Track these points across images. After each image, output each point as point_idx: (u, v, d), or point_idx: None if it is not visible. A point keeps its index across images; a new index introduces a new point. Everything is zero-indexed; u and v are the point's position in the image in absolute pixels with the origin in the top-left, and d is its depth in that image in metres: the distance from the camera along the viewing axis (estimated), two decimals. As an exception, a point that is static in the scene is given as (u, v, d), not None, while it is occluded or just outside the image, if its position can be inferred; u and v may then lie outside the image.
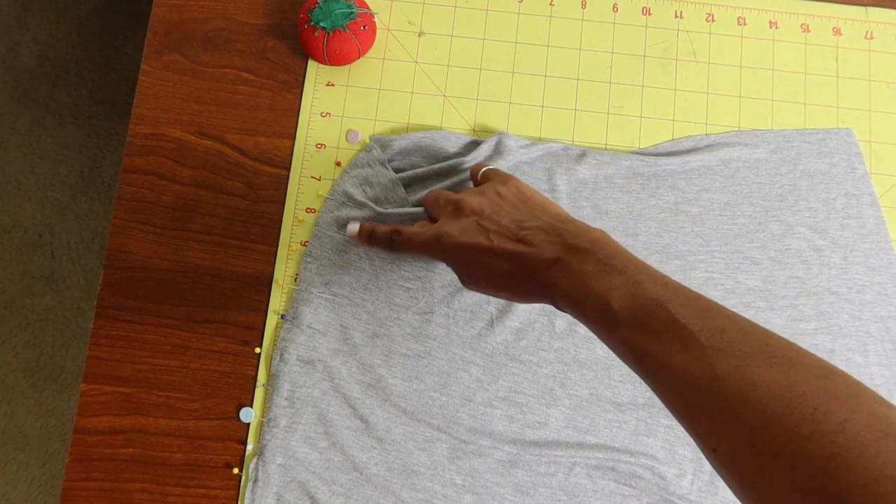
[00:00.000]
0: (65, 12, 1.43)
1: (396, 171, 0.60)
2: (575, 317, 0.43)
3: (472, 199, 0.50)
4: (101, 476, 0.56)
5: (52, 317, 1.35)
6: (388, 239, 0.52)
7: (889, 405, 0.32)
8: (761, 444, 0.33)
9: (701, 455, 0.57)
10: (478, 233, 0.47)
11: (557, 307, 0.44)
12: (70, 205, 1.38)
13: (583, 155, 0.61)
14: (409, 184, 0.60)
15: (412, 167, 0.61)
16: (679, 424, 0.56)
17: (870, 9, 0.65)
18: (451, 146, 0.61)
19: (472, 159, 0.60)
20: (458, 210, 0.50)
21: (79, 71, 1.42)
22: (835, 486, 0.30)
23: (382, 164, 0.60)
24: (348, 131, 0.62)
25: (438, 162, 0.60)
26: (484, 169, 0.55)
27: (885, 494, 0.28)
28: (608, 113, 0.63)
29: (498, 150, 0.60)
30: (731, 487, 0.35)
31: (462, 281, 0.50)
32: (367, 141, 0.62)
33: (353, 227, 0.55)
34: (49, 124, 1.40)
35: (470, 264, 0.48)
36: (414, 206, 0.60)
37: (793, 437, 0.32)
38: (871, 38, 0.65)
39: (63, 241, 1.37)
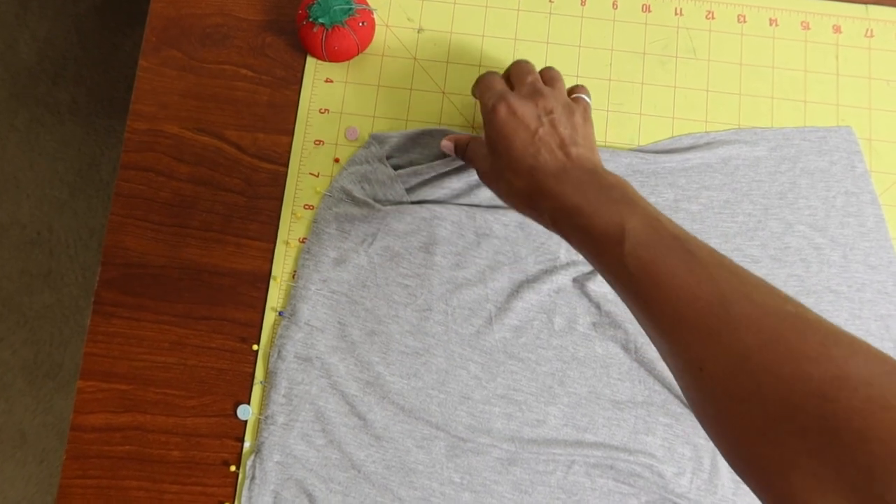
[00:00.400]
0: (63, 9, 1.43)
1: (395, 167, 0.60)
2: (568, 233, 0.44)
3: (549, 99, 0.50)
4: (98, 473, 0.56)
5: (50, 314, 1.34)
6: (479, 78, 0.55)
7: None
8: (760, 361, 0.32)
9: (700, 454, 0.57)
10: (535, 116, 0.49)
11: (553, 221, 0.45)
12: (68, 202, 1.38)
13: None
14: (408, 180, 0.60)
15: (411, 163, 0.61)
16: (677, 423, 0.57)
17: (870, 6, 0.65)
18: None
19: None
20: (533, 97, 0.50)
21: (77, 68, 1.41)
22: (834, 408, 0.28)
23: (381, 160, 0.60)
24: (347, 128, 0.62)
25: (437, 158, 0.60)
26: (554, 71, 0.55)
27: (888, 422, 0.27)
28: (608, 110, 0.63)
29: None
30: (709, 414, 0.34)
31: (481, 166, 0.51)
32: (366, 137, 0.61)
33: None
34: (48, 121, 1.40)
35: (507, 132, 0.48)
36: (413, 202, 0.59)
37: (797, 356, 0.31)
38: (872, 35, 0.65)
39: (61, 238, 1.37)
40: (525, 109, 0.49)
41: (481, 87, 0.53)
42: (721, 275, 0.36)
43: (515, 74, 0.53)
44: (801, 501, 0.29)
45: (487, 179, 0.52)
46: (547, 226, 0.47)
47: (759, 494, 0.32)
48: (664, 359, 0.39)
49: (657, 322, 0.37)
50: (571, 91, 0.55)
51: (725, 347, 0.33)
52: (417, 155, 0.61)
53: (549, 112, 0.49)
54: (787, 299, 0.35)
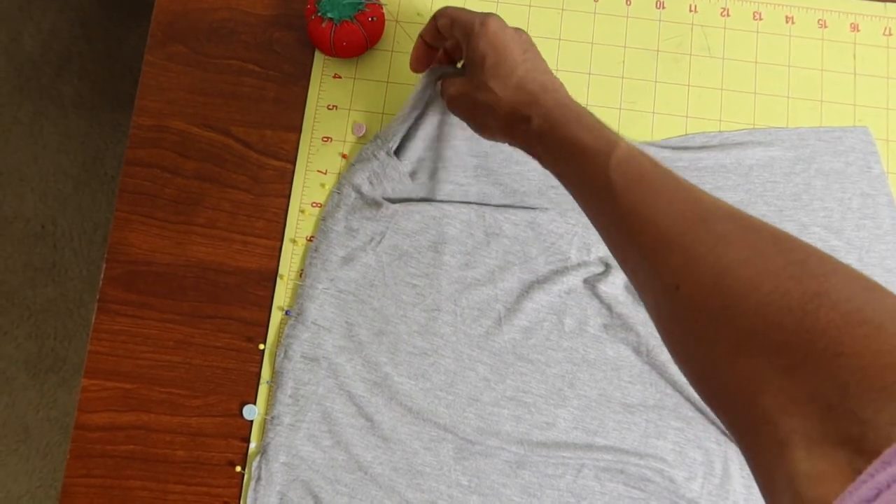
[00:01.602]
0: (68, 2, 1.42)
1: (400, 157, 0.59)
2: (550, 151, 0.45)
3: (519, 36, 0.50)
4: (102, 473, 0.56)
5: (54, 308, 1.34)
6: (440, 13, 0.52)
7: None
8: (739, 278, 0.31)
9: (712, 458, 0.56)
10: (520, 37, 0.49)
11: (540, 135, 0.45)
12: (72, 196, 1.37)
13: None
14: (415, 172, 0.59)
15: (418, 159, 0.60)
16: (689, 427, 0.56)
17: (889, 4, 0.64)
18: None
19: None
20: (509, 30, 0.50)
21: (82, 61, 1.40)
22: (810, 323, 0.28)
23: (388, 154, 0.59)
24: (354, 124, 0.61)
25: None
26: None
27: (863, 337, 0.27)
28: (620, 108, 0.62)
29: None
30: (679, 333, 0.33)
31: (462, 83, 0.50)
32: (374, 133, 0.60)
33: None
34: (52, 114, 1.39)
35: (501, 45, 0.48)
36: (420, 199, 0.59)
37: (778, 274, 0.30)
38: (890, 34, 0.63)
39: (65, 232, 1.36)
40: (512, 28, 0.49)
41: (452, 14, 0.51)
42: (705, 198, 0.36)
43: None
44: (772, 422, 0.28)
45: (461, 103, 0.51)
46: (528, 145, 0.47)
47: (727, 419, 0.31)
48: (640, 287, 0.38)
49: (639, 240, 0.37)
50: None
51: (705, 263, 0.33)
52: (422, 145, 0.59)
53: (526, 44, 0.49)
54: (769, 224, 0.34)
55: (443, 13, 0.51)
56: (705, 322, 0.31)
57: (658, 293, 0.35)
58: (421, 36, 0.53)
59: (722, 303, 0.31)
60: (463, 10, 0.51)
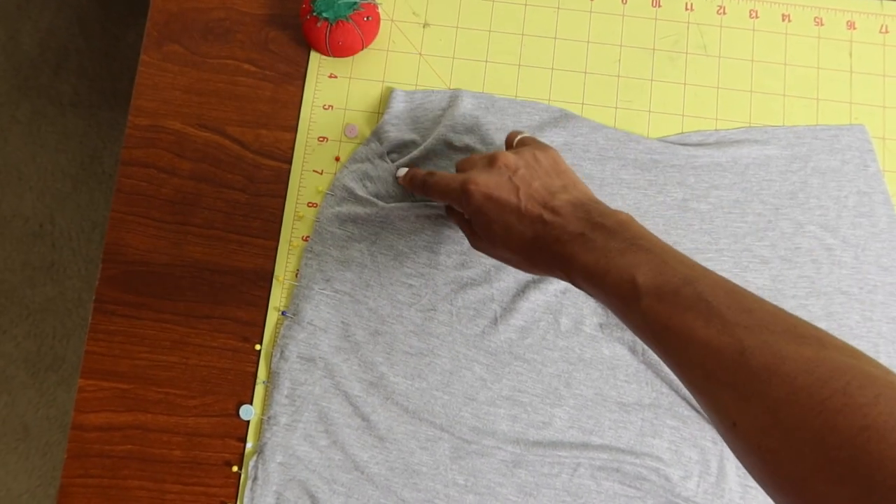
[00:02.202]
0: (65, 0, 1.42)
1: (394, 161, 0.59)
2: (591, 292, 0.43)
3: (507, 155, 0.49)
4: (99, 473, 0.56)
5: (53, 307, 1.34)
6: (421, 180, 0.53)
7: None
8: (788, 416, 0.32)
9: (707, 457, 0.56)
10: (508, 188, 0.47)
11: (573, 281, 0.44)
12: (71, 195, 1.37)
13: (586, 149, 0.60)
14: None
15: (412, 162, 0.60)
16: (684, 425, 0.56)
17: (885, 2, 0.64)
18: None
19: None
20: (492, 163, 0.48)
21: (80, 60, 1.40)
22: (866, 458, 0.29)
23: (381, 157, 0.59)
24: (346, 125, 0.61)
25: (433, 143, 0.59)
26: (522, 135, 0.53)
27: None
28: (616, 107, 0.62)
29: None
30: (748, 464, 0.34)
31: (473, 239, 0.49)
32: (367, 134, 0.60)
33: (402, 172, 0.56)
34: (50, 113, 1.39)
35: (491, 219, 0.47)
36: (415, 200, 0.59)
37: (823, 409, 0.31)
38: (886, 32, 0.63)
39: (64, 231, 1.36)
40: (493, 180, 0.47)
41: (436, 184, 0.51)
42: (738, 320, 0.36)
43: (463, 165, 0.52)
44: None
45: (483, 250, 0.51)
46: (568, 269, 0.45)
47: None
48: (704, 413, 0.39)
49: (689, 377, 0.37)
50: (510, 139, 0.54)
51: (753, 403, 0.33)
52: (417, 153, 0.60)
53: (513, 170, 0.47)
54: (803, 338, 0.34)
55: (429, 188, 0.52)
56: (768, 457, 0.33)
57: (719, 425, 0.36)
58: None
59: (779, 440, 0.32)
60: (442, 179, 0.50)
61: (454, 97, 0.60)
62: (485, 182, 0.47)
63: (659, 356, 0.39)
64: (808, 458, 0.31)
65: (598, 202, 0.46)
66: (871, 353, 0.57)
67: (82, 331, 1.34)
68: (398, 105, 0.60)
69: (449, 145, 0.59)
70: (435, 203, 0.58)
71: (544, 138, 0.59)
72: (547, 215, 0.45)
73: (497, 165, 0.48)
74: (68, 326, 1.34)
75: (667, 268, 0.39)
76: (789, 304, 0.58)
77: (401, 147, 0.60)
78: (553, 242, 0.44)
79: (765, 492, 0.34)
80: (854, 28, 0.63)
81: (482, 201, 0.47)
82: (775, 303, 0.58)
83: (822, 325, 0.58)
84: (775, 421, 0.32)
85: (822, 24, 0.63)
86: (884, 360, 0.57)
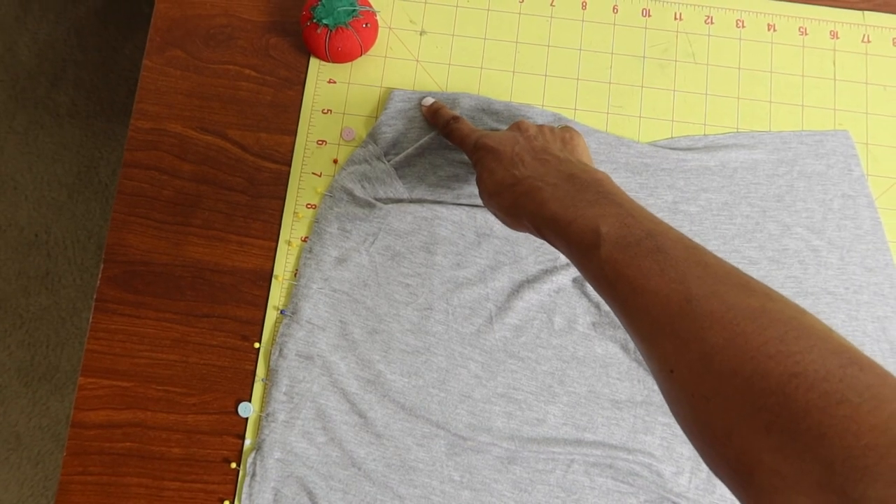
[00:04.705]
0: (63, 12, 1.43)
1: (390, 161, 0.61)
2: (555, 242, 0.44)
3: (530, 123, 0.52)
4: (98, 470, 0.56)
5: (47, 316, 1.34)
6: (445, 122, 0.58)
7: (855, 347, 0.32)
8: (723, 361, 0.32)
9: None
10: (510, 142, 0.50)
11: (540, 233, 0.45)
12: (66, 204, 1.38)
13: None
14: (403, 173, 0.60)
15: (409, 164, 0.61)
16: (674, 421, 0.57)
17: (867, 13, 0.66)
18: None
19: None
20: (515, 125, 0.53)
21: (77, 71, 1.41)
22: (792, 405, 0.29)
23: (379, 158, 0.60)
24: (344, 128, 0.62)
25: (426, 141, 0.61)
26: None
27: (843, 417, 0.28)
28: (608, 113, 0.63)
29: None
30: (680, 414, 0.34)
31: (478, 186, 0.51)
32: (363, 137, 0.62)
33: (428, 100, 0.61)
34: (47, 124, 1.40)
35: (484, 166, 0.50)
36: (412, 200, 0.60)
37: (757, 354, 0.31)
38: (868, 41, 0.65)
39: (59, 240, 1.36)
40: (503, 136, 0.51)
41: (458, 130, 0.56)
42: (691, 272, 0.36)
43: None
44: (768, 499, 0.29)
45: (484, 203, 0.52)
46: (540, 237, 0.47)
47: (735, 493, 0.32)
48: (647, 365, 0.39)
49: (636, 327, 0.38)
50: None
51: (692, 348, 0.34)
52: (412, 150, 0.61)
53: (526, 130, 0.51)
54: (752, 291, 0.35)
55: (451, 130, 0.57)
56: (699, 404, 0.33)
57: (658, 373, 0.36)
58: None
59: (711, 387, 0.32)
60: (465, 126, 0.55)
61: (452, 98, 0.62)
62: (496, 137, 0.51)
63: (611, 307, 0.40)
64: (737, 405, 0.31)
65: (585, 166, 0.47)
66: (856, 351, 0.59)
67: (76, 340, 1.34)
68: (395, 104, 0.61)
69: (445, 144, 0.60)
70: (431, 204, 0.59)
71: None
72: (529, 161, 0.48)
73: (515, 126, 0.52)
74: (62, 335, 1.34)
75: (632, 220, 0.40)
76: (777, 304, 0.60)
77: (397, 146, 0.61)
78: (529, 189, 0.45)
79: (692, 444, 0.34)
80: (837, 37, 0.65)
81: (483, 152, 0.50)
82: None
83: (809, 324, 0.59)
84: (710, 366, 0.32)
85: (806, 34, 0.65)
86: (869, 358, 0.59)
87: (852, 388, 0.28)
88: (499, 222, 0.60)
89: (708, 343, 0.33)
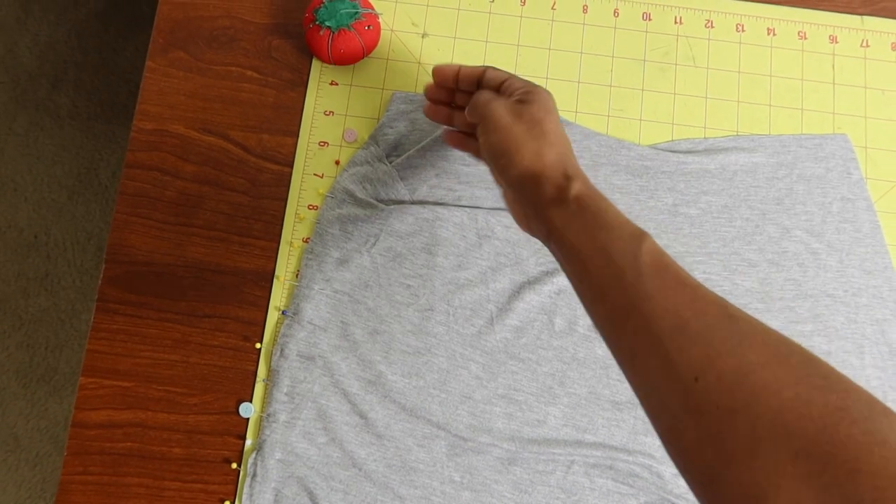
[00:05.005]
0: (64, 14, 1.44)
1: (392, 162, 0.61)
2: (521, 192, 0.45)
3: (540, 96, 0.49)
4: (99, 470, 0.56)
5: (47, 318, 1.34)
6: (478, 74, 0.52)
7: None
8: (761, 378, 0.31)
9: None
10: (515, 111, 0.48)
11: (509, 186, 0.46)
12: (66, 206, 1.38)
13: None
14: (405, 175, 0.61)
15: (410, 165, 0.61)
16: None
17: (865, 18, 0.66)
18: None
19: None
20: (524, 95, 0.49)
21: (78, 73, 1.42)
22: (832, 436, 0.28)
23: (380, 159, 0.61)
24: (345, 130, 0.62)
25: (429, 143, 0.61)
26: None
27: (882, 458, 0.27)
28: (608, 116, 0.64)
29: None
30: (696, 426, 0.32)
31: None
32: (365, 138, 0.62)
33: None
34: (47, 125, 1.40)
35: (484, 127, 0.48)
36: (414, 201, 0.60)
37: (802, 381, 0.30)
38: (867, 46, 0.66)
39: (59, 242, 1.36)
40: (505, 102, 0.48)
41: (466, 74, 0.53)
42: (729, 302, 0.36)
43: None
44: None
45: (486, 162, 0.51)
46: (548, 208, 0.45)
47: None
48: (646, 379, 0.37)
49: (657, 324, 0.36)
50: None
51: (728, 360, 0.33)
52: (414, 152, 0.61)
53: (545, 102, 0.49)
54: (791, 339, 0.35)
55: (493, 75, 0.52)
56: (724, 417, 0.31)
57: (672, 383, 0.34)
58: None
59: (744, 401, 0.31)
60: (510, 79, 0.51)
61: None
62: (500, 101, 0.48)
63: (616, 308, 0.38)
64: (767, 423, 0.30)
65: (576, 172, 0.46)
66: (855, 354, 0.59)
67: (75, 342, 1.34)
68: (397, 106, 0.62)
69: (447, 146, 0.60)
70: (432, 206, 0.60)
71: None
72: (532, 142, 0.46)
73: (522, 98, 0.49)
74: (61, 337, 1.34)
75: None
76: (777, 307, 0.60)
77: (398, 148, 0.61)
78: (516, 142, 0.45)
79: (691, 476, 0.33)
80: (836, 42, 0.66)
81: (485, 109, 0.48)
82: (764, 305, 0.60)
83: (808, 326, 0.60)
84: (745, 381, 0.32)
85: (805, 38, 0.66)
86: (868, 360, 0.59)
87: (894, 433, 0.28)
88: (500, 224, 0.60)
89: (747, 359, 0.32)
